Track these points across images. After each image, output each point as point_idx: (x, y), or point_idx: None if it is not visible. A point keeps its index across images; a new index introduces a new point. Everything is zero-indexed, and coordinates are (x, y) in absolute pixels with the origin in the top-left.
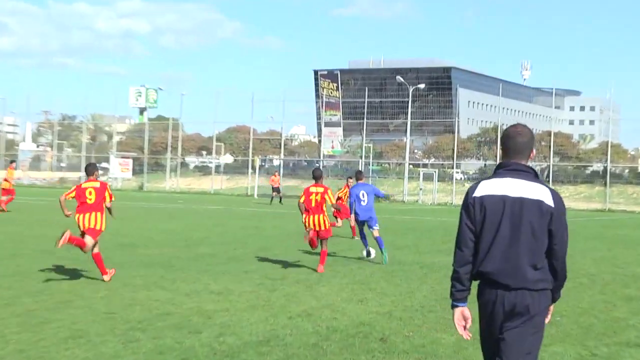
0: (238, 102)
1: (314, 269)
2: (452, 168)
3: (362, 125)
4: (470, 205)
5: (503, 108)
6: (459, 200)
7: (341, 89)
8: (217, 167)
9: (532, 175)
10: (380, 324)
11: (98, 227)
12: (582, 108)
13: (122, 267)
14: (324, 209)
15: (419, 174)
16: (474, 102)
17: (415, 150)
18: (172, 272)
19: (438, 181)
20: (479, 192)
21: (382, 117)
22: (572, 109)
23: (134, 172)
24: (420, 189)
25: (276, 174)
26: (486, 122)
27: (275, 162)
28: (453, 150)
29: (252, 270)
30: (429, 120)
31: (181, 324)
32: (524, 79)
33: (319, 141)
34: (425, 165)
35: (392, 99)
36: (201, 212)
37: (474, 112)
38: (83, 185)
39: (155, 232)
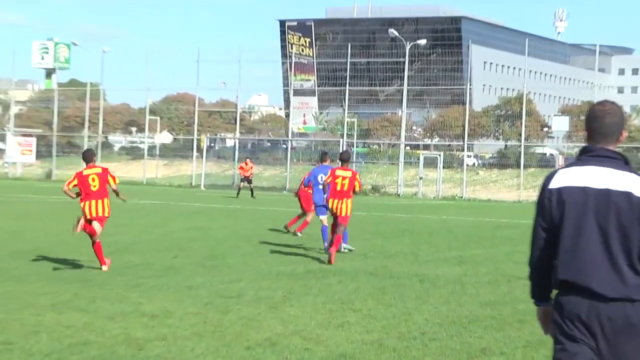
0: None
1: (280, 282)
2: (463, 150)
3: (344, 94)
4: (545, 200)
5: (530, 71)
6: (471, 192)
7: (316, 45)
8: (151, 148)
9: (622, 162)
10: (366, 356)
11: (106, 214)
12: (635, 71)
13: (23, 281)
14: (351, 194)
15: (418, 158)
16: (490, 64)
17: (414, 127)
18: (90, 288)
19: (444, 168)
20: (555, 183)
21: (370, 84)
22: (621, 72)
23: (39, 155)
24: (420, 178)
25: (248, 161)
26: (507, 89)
27: (229, 143)
28: (464, 127)
29: (197, 285)
30: (432, 88)
31: (103, 358)
32: (558, 33)
33: (287, 115)
34: (426, 147)
35: (384, 59)
36: (130, 209)
37: (491, 77)
38: (84, 173)
39: (67, 235)
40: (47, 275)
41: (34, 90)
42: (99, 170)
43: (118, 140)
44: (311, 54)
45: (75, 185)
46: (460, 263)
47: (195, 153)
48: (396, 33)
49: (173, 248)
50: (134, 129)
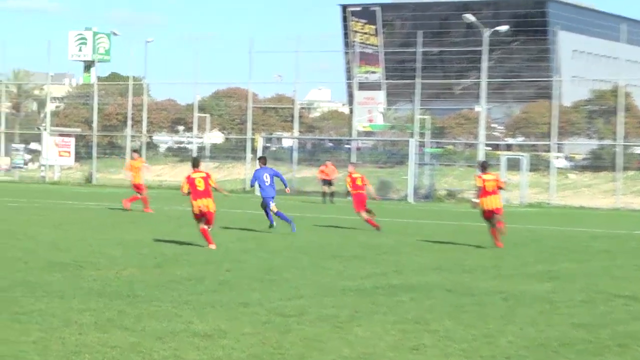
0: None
1: (345, 299)
2: (550, 151)
3: (414, 88)
4: None
5: (627, 60)
6: (561, 198)
7: (382, 33)
8: (201, 149)
9: None
10: None
11: (212, 210)
12: None
13: (62, 297)
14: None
15: (499, 160)
16: (581, 52)
17: (494, 125)
18: (136, 305)
19: (529, 171)
20: None
21: (444, 76)
22: None
23: (78, 157)
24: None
25: (328, 163)
26: (601, 81)
27: (286, 143)
28: (551, 124)
29: (253, 301)
30: (514, 80)
31: None
32: None
33: (350, 111)
34: (508, 147)
35: (459, 48)
36: (177, 217)
37: (582, 67)
38: (192, 176)
39: (111, 246)
40: (88, 290)
41: (71, 86)
42: (204, 174)
43: (164, 140)
44: (377, 43)
45: (189, 189)
46: (549, 279)
47: (248, 154)
48: (473, 18)
49: (225, 260)
50: (181, 128)
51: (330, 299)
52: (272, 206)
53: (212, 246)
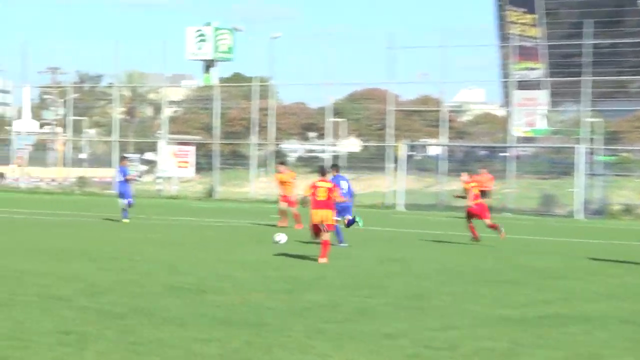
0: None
1: (504, 330)
2: None
3: (582, 86)
4: None
5: None
6: None
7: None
8: (335, 159)
9: None
10: None
11: (330, 222)
12: None
13: (182, 325)
14: None
15: None
16: None
17: None
18: (265, 335)
19: None
20: None
21: (617, 72)
22: None
23: (198, 168)
24: None
25: (483, 172)
26: None
27: (433, 151)
28: None
29: (398, 332)
30: None
31: None
32: None
33: (507, 114)
34: None
35: (634, 39)
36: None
37: None
38: (317, 184)
39: (235, 268)
40: (211, 318)
41: (189, 88)
42: (330, 185)
43: (293, 148)
44: (538, 35)
45: (310, 194)
46: None
47: (389, 164)
48: None
49: (365, 285)
50: (312, 135)
51: (487, 330)
52: (340, 219)
53: (324, 260)
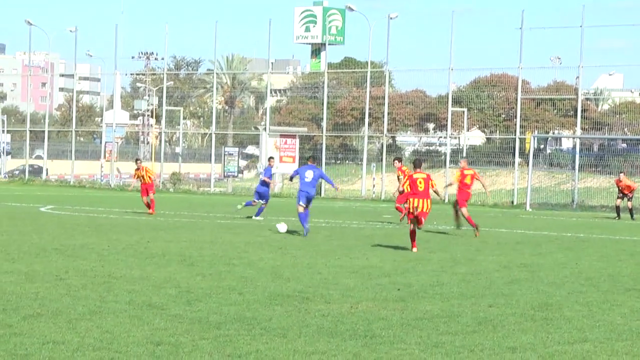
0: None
1: None
2: None
3: None
4: None
5: None
6: None
7: None
8: (455, 152)
9: None
10: None
11: (426, 210)
12: None
13: (285, 335)
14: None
15: None
16: None
17: None
18: (376, 347)
19: None
20: None
21: None
22: None
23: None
24: None
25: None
26: None
27: (566, 144)
28: None
29: (524, 345)
30: None
31: None
32: None
33: None
34: None
35: None
36: (426, 239)
37: None
38: (414, 176)
39: (344, 274)
40: (316, 328)
41: (296, 75)
42: (425, 176)
43: (410, 141)
44: None
45: (407, 187)
46: None
47: (517, 159)
48: None
49: (487, 293)
50: (431, 126)
51: (623, 344)
52: (301, 205)
53: (415, 249)
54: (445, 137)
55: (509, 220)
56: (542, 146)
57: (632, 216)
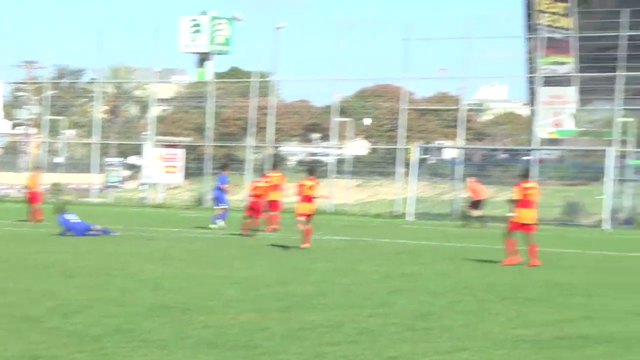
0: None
1: (519, 353)
2: None
3: (615, 83)
4: None
5: None
6: None
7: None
8: (340, 162)
9: None
10: None
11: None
12: None
13: (165, 347)
14: None
15: None
16: None
17: None
18: (258, 358)
19: None
20: None
21: None
22: None
23: (187, 174)
24: None
25: (472, 180)
26: None
27: (448, 154)
28: None
29: (403, 355)
30: None
31: None
32: None
33: (531, 113)
34: None
35: None
36: (312, 248)
37: None
38: (303, 182)
39: (225, 284)
40: (197, 340)
41: (181, 84)
42: (313, 183)
43: (294, 151)
44: (569, 26)
45: None
46: None
47: (400, 168)
48: None
49: (368, 303)
50: (316, 136)
51: (501, 352)
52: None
53: (307, 245)
54: (329, 147)
55: (391, 230)
56: (425, 156)
57: (472, 223)
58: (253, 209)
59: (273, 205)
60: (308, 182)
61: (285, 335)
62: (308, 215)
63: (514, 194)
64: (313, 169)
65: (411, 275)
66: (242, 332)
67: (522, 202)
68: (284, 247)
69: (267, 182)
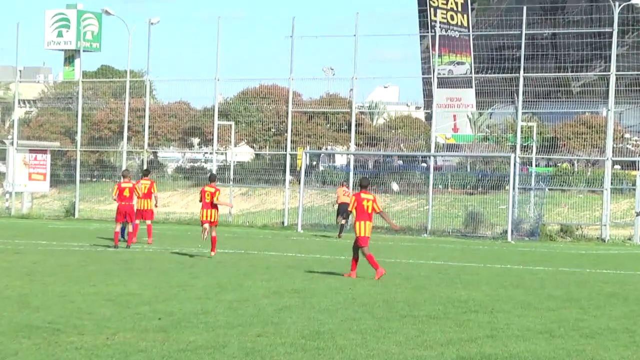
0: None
1: None
2: None
3: (516, 85)
4: None
5: None
6: None
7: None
8: (222, 169)
9: None
10: None
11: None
12: None
13: None
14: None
15: (634, 184)
16: None
17: (628, 136)
18: None
19: None
20: None
21: (557, 68)
22: None
23: (55, 181)
24: (637, 214)
25: (345, 184)
26: None
27: (340, 161)
28: None
29: None
30: None
31: None
32: None
33: (428, 117)
34: None
35: (578, 29)
36: (190, 263)
37: None
38: (205, 189)
39: (99, 302)
40: None
41: (47, 84)
42: (212, 190)
43: (173, 157)
44: (465, 24)
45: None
46: None
47: (288, 176)
48: None
49: (256, 322)
50: (195, 141)
51: None
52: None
53: (212, 253)
54: (211, 153)
55: (279, 243)
56: (314, 163)
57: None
58: (121, 213)
59: (144, 214)
60: (210, 189)
61: (163, 357)
62: (212, 223)
63: (350, 204)
64: (213, 175)
65: (302, 290)
66: (117, 354)
67: (357, 214)
68: (162, 260)
69: (136, 186)
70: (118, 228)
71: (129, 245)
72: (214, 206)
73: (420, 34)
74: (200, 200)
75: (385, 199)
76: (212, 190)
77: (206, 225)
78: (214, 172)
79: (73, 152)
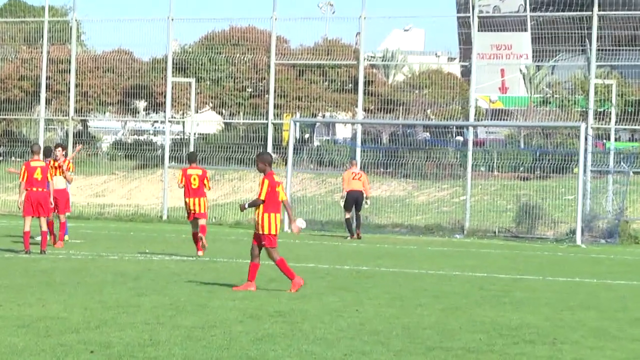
0: None
1: None
2: None
3: (587, 27)
4: None
5: None
6: None
7: None
8: (178, 145)
9: None
10: None
11: (203, 211)
12: None
13: None
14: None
15: None
16: None
17: None
18: None
19: None
20: None
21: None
22: None
23: None
24: None
25: (354, 163)
26: None
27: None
28: None
29: None
30: None
31: None
32: None
33: (465, 73)
34: None
35: None
36: (117, 271)
37: None
38: (188, 172)
39: (7, 327)
40: None
41: None
42: (200, 172)
43: (109, 128)
44: None
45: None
46: None
47: (271, 154)
48: None
49: (226, 356)
50: (141, 105)
51: None
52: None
53: (200, 253)
54: (162, 122)
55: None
56: (307, 135)
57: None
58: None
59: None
60: (195, 172)
61: None
62: (201, 215)
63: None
64: (194, 154)
65: (289, 313)
66: None
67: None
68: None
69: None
70: (28, 226)
71: (44, 250)
72: (201, 193)
73: None
74: (182, 186)
75: (407, 187)
76: (199, 172)
77: (201, 236)
78: (167, 148)
79: None
